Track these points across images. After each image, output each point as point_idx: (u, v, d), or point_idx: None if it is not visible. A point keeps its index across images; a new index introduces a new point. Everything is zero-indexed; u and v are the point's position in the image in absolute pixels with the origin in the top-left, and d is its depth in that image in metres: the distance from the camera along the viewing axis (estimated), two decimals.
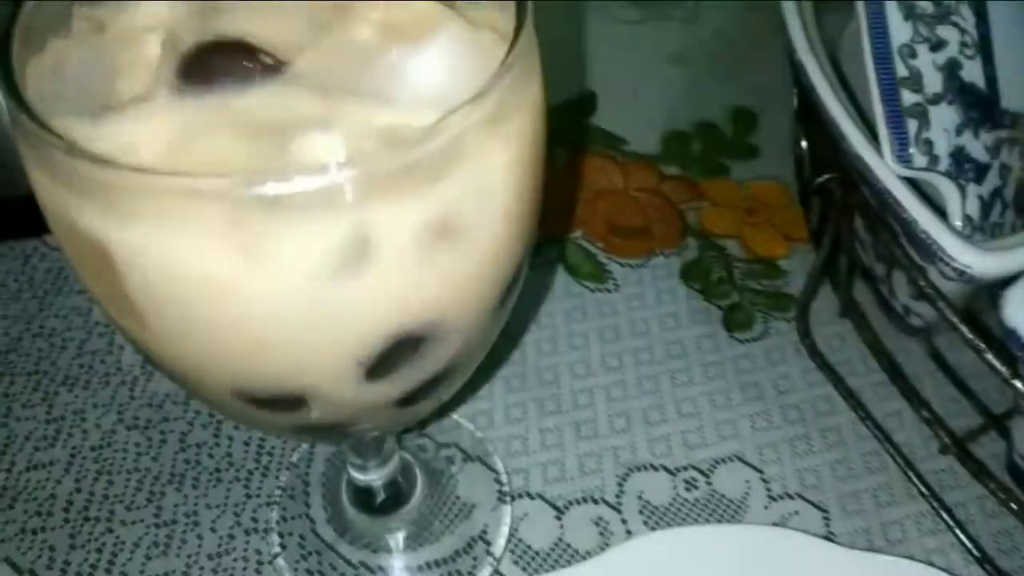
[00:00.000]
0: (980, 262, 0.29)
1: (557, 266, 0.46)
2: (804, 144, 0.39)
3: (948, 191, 0.32)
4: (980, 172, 0.33)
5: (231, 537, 0.36)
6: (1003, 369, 0.29)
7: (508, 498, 0.37)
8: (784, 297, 0.44)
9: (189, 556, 0.36)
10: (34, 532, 0.36)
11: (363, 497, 0.36)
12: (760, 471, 0.38)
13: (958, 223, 0.32)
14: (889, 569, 0.31)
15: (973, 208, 0.33)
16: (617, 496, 0.37)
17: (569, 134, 0.52)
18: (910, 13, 0.33)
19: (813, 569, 0.31)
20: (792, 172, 0.46)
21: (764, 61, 0.54)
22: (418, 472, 0.37)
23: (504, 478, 0.37)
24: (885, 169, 0.32)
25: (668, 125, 0.52)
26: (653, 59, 0.57)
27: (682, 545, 0.31)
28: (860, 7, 0.33)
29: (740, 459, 0.38)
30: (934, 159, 0.32)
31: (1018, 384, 0.28)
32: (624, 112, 0.53)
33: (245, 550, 0.36)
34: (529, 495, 0.37)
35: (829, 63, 0.37)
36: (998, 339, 0.30)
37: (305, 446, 0.39)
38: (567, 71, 0.55)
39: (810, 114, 0.37)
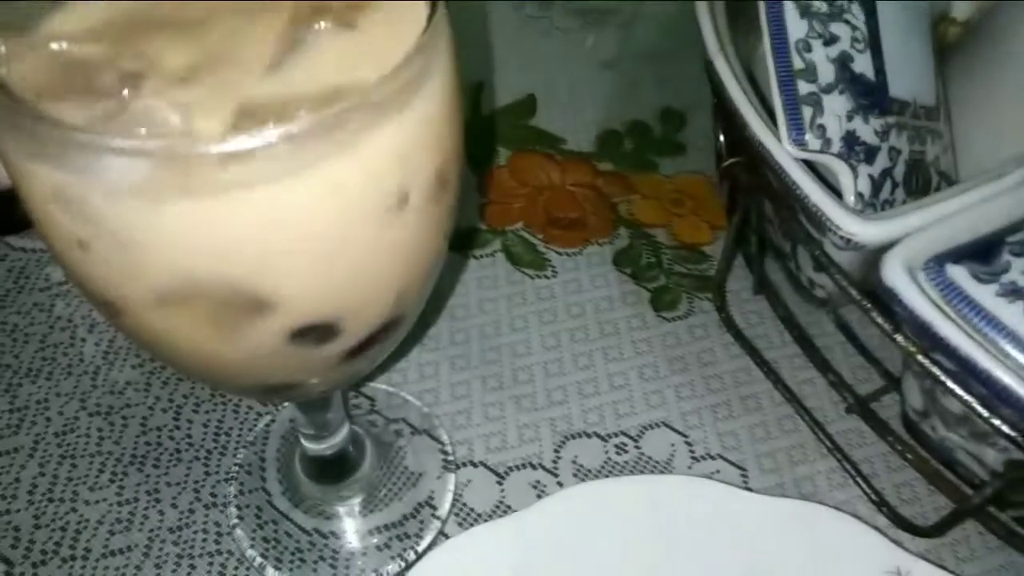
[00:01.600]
0: (863, 230, 0.32)
1: (500, 256, 0.48)
2: (720, 136, 0.42)
3: (841, 171, 0.36)
4: (870, 154, 0.37)
5: (191, 512, 0.39)
6: (886, 326, 0.32)
7: (453, 466, 0.40)
8: (707, 279, 0.47)
9: (151, 531, 0.38)
10: None
11: (315, 467, 0.38)
12: (684, 435, 0.41)
13: (851, 199, 0.36)
14: (799, 511, 0.34)
15: (864, 186, 0.36)
16: (554, 461, 0.40)
17: (511, 135, 0.55)
18: (806, 11, 0.36)
19: (730, 513, 0.34)
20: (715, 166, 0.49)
21: (692, 66, 0.58)
22: (368, 444, 0.39)
23: (449, 448, 0.40)
24: (782, 152, 0.35)
25: (602, 125, 0.56)
26: (589, 65, 0.60)
27: (610, 493, 0.34)
28: (761, 6, 0.36)
29: (666, 425, 0.41)
30: (827, 142, 0.36)
31: (899, 339, 0.32)
32: (562, 113, 0.56)
33: (205, 523, 0.38)
34: (473, 463, 0.40)
35: (744, 74, 0.40)
36: (886, 304, 0.33)
37: (262, 425, 0.41)
38: (508, 76, 0.58)
39: (723, 108, 0.40)
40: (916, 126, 0.39)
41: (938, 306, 0.30)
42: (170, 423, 0.41)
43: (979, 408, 0.30)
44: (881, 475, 0.40)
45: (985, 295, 0.30)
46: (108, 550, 0.37)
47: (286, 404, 0.42)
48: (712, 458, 0.40)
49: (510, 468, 0.40)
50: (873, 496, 0.38)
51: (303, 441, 0.37)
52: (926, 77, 0.40)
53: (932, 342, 0.30)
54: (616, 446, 0.41)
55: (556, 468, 0.40)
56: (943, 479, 0.37)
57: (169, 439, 0.41)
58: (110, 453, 0.40)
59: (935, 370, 0.31)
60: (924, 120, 0.40)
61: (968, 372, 0.30)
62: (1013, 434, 0.29)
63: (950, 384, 0.30)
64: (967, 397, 0.30)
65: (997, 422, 0.30)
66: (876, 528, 0.35)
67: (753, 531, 0.34)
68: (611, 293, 0.47)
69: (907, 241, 0.32)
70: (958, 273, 0.30)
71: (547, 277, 0.48)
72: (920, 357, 0.31)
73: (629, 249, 0.49)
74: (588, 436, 0.41)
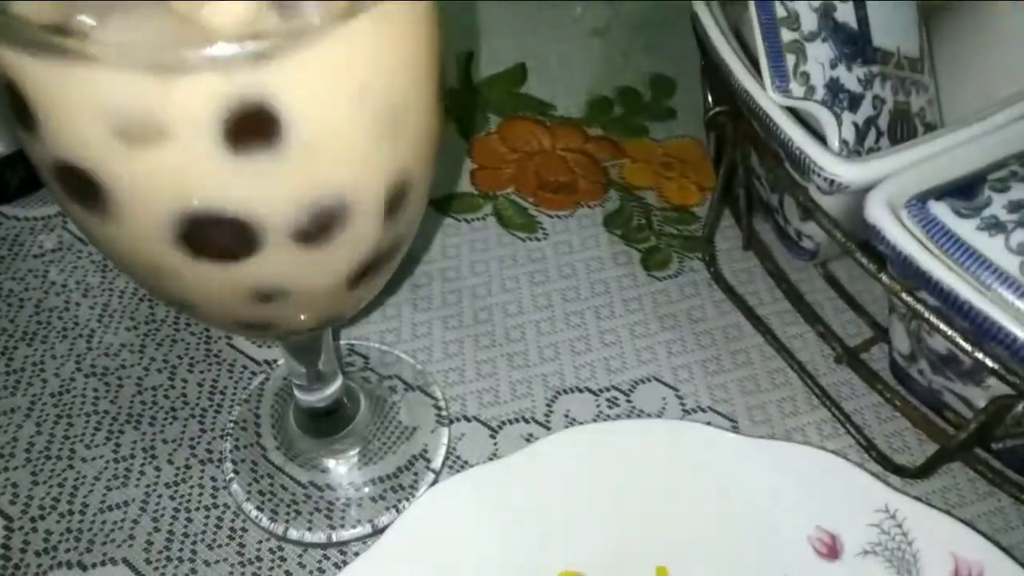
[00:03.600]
0: (845, 171, 0.33)
1: (491, 219, 0.49)
2: (707, 93, 0.43)
3: (825, 118, 0.36)
4: (854, 102, 0.37)
5: (187, 467, 0.39)
6: (871, 266, 0.32)
7: (446, 421, 0.40)
8: (697, 239, 0.47)
9: (148, 486, 0.38)
10: None
11: (309, 419, 0.38)
12: (675, 389, 0.41)
13: (835, 146, 0.36)
14: (790, 453, 0.35)
15: (849, 134, 0.37)
16: (546, 415, 0.40)
17: (502, 102, 0.55)
18: None
19: (721, 454, 0.34)
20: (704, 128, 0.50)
21: (683, 35, 0.58)
22: (362, 398, 0.40)
23: (442, 404, 0.40)
24: (766, 99, 0.35)
25: (592, 92, 0.56)
26: (579, 33, 0.60)
27: (599, 436, 0.34)
28: None
29: (657, 379, 0.42)
30: (811, 89, 0.36)
31: (883, 278, 0.32)
32: (552, 82, 0.57)
33: (201, 478, 0.39)
34: (466, 418, 0.40)
35: (732, 33, 0.41)
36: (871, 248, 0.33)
37: (256, 383, 0.41)
38: (498, 47, 0.59)
39: (709, 62, 0.41)
40: (900, 76, 0.39)
41: (920, 241, 0.31)
42: (165, 383, 0.42)
43: (963, 343, 0.30)
44: (872, 425, 0.40)
45: (967, 229, 0.30)
46: (106, 505, 0.38)
47: (279, 363, 0.42)
48: (703, 411, 0.40)
49: (503, 422, 0.40)
50: (862, 441, 0.38)
51: (297, 393, 0.37)
52: (910, 29, 0.41)
53: (915, 278, 0.31)
54: (608, 400, 0.41)
55: (548, 421, 0.40)
56: (932, 425, 0.38)
57: (164, 398, 0.41)
58: (106, 412, 0.41)
59: (919, 307, 0.31)
60: (908, 71, 0.40)
61: (951, 306, 0.30)
62: (996, 366, 0.30)
63: (934, 320, 0.31)
64: (951, 332, 0.31)
65: (980, 355, 0.30)
66: (866, 470, 0.36)
67: (743, 472, 0.34)
68: (602, 254, 0.47)
69: (890, 180, 0.32)
70: (940, 209, 0.31)
71: (538, 239, 0.48)
72: (904, 295, 0.32)
73: (620, 211, 0.49)
74: (580, 391, 0.41)
